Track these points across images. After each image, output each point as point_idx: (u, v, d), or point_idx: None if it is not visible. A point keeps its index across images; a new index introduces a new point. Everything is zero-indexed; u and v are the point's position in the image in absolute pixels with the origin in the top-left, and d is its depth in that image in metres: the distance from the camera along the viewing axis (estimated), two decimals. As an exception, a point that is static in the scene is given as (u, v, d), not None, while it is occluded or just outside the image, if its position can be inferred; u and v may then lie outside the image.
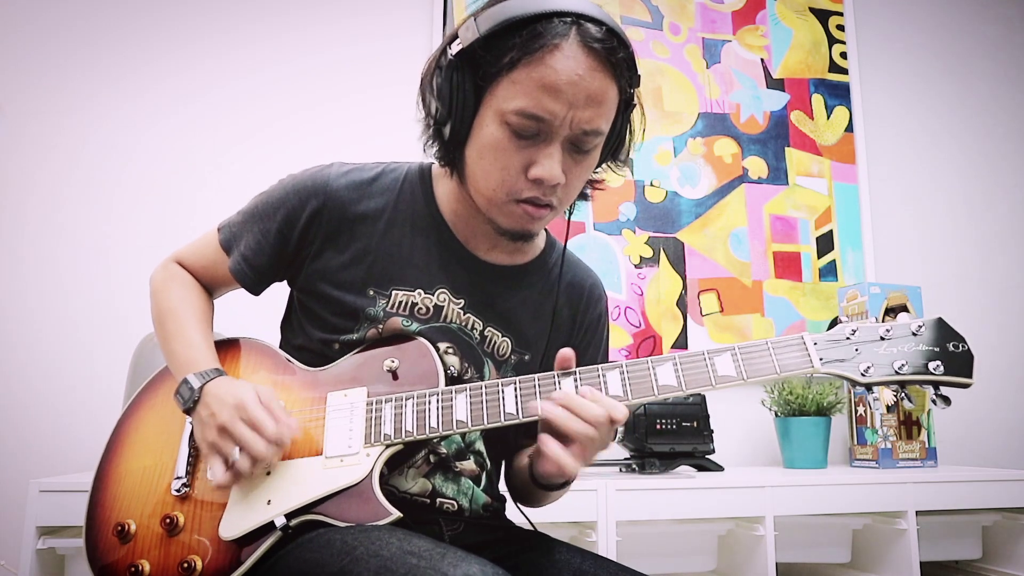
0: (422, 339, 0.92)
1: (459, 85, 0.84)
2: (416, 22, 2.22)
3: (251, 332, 1.03)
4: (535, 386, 0.84)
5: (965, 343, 0.80)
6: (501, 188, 0.86)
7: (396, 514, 0.79)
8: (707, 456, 1.86)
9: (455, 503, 0.92)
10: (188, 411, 0.88)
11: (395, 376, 0.90)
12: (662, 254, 2.26)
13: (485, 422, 0.83)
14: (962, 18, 2.70)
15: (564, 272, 1.02)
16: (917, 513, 1.73)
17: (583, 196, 0.95)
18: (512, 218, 0.88)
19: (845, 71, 2.51)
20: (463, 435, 0.94)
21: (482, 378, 0.94)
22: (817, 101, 2.47)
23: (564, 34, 0.80)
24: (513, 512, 1.03)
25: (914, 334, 0.81)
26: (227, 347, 0.99)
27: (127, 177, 1.99)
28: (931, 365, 0.80)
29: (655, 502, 1.61)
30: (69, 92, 1.99)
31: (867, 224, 2.43)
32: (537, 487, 0.93)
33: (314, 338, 0.95)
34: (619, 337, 2.18)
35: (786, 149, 2.41)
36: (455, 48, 0.84)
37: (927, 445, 2.00)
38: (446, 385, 0.88)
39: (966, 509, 1.82)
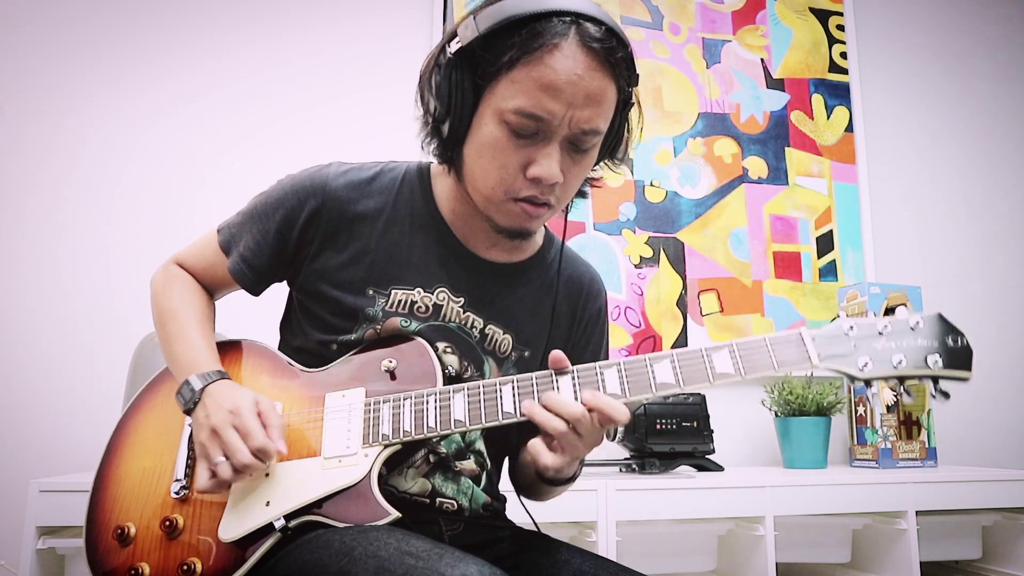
0: (419, 339, 0.92)
1: (458, 83, 0.84)
2: (416, 22, 2.22)
3: (251, 333, 1.03)
4: (533, 385, 0.83)
5: (964, 337, 0.80)
6: (499, 187, 0.86)
7: (395, 514, 0.79)
8: (707, 456, 1.86)
9: (455, 503, 0.92)
10: (188, 412, 0.88)
11: (393, 376, 0.90)
12: (662, 254, 2.26)
13: (483, 421, 0.83)
14: (962, 18, 2.70)
15: (563, 268, 1.03)
16: (917, 513, 1.73)
17: (581, 194, 0.95)
18: (510, 216, 0.89)
19: (845, 71, 2.51)
20: (463, 435, 0.94)
21: (483, 376, 0.94)
22: (817, 101, 2.47)
23: (563, 34, 0.80)
24: (513, 512, 1.03)
25: (912, 329, 0.80)
26: (228, 349, 0.99)
27: (127, 177, 1.99)
28: (930, 359, 0.79)
29: (655, 502, 1.61)
30: (69, 92, 1.99)
31: (867, 224, 2.43)
32: (542, 481, 0.93)
33: (313, 339, 0.95)
34: (619, 337, 2.18)
35: (786, 149, 2.41)
36: (454, 46, 0.83)
37: (927, 445, 1.99)
38: (445, 384, 0.88)
39: (966, 509, 1.82)
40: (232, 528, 0.82)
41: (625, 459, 1.87)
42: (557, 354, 0.84)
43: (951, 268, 2.51)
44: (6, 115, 1.88)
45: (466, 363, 0.94)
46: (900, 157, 2.55)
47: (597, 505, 1.57)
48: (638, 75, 0.88)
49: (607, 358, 1.09)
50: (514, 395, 0.83)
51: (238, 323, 1.29)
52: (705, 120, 2.37)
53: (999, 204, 2.61)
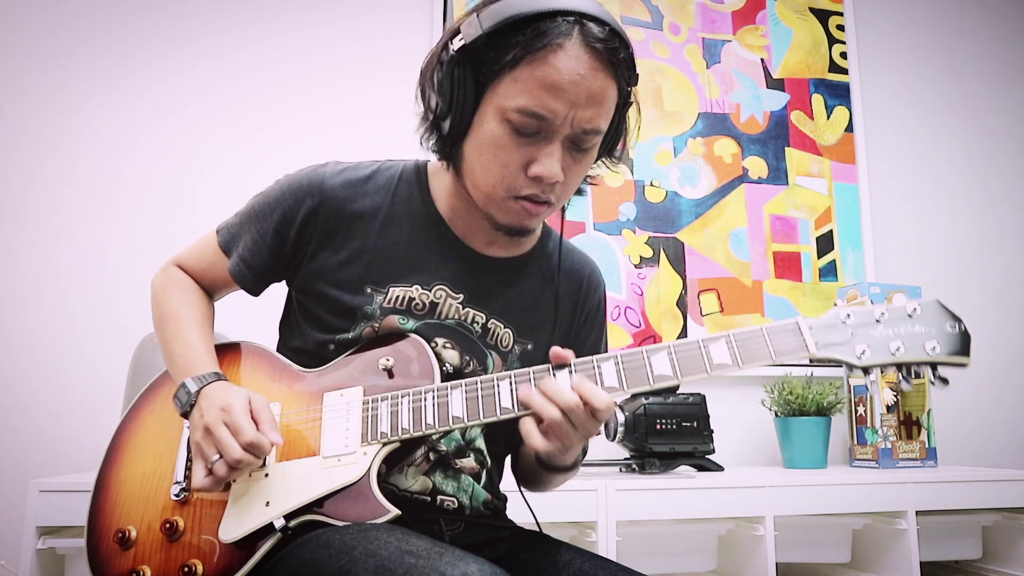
0: (416, 336, 0.92)
1: (460, 81, 0.84)
2: (416, 22, 2.22)
3: (250, 333, 1.03)
4: (530, 379, 0.83)
5: (962, 323, 0.79)
6: (500, 185, 0.86)
7: (395, 512, 0.80)
8: (707, 456, 1.85)
9: (455, 500, 0.92)
10: (185, 414, 0.88)
11: (391, 374, 0.90)
12: (662, 254, 2.26)
13: (481, 417, 0.83)
14: (962, 18, 2.70)
15: (562, 260, 1.03)
16: (917, 513, 1.73)
17: (579, 192, 0.96)
18: (510, 214, 0.89)
19: (845, 71, 2.51)
20: (463, 432, 0.94)
21: (485, 371, 0.94)
22: (817, 101, 2.47)
23: (567, 33, 0.80)
24: (514, 511, 1.03)
25: (910, 316, 0.80)
26: (226, 351, 0.99)
27: (127, 177, 1.99)
28: (928, 346, 0.78)
29: (655, 502, 1.61)
30: (69, 92, 1.99)
31: (867, 224, 2.43)
32: (543, 468, 0.93)
33: (311, 339, 0.95)
34: (619, 337, 2.18)
35: (786, 149, 2.41)
36: (457, 43, 0.84)
37: (927, 445, 1.99)
38: (444, 381, 0.88)
39: (966, 509, 1.82)
40: (232, 529, 0.82)
41: (625, 459, 1.87)
42: (557, 350, 0.84)
43: (951, 268, 2.51)
44: (6, 115, 1.88)
45: (467, 358, 0.94)
46: (900, 157, 2.55)
47: (597, 505, 1.57)
48: (638, 75, 0.88)
49: (607, 349, 1.10)
50: (512, 390, 0.83)
51: (238, 324, 1.29)
52: (705, 120, 2.37)
53: (999, 204, 2.61)
